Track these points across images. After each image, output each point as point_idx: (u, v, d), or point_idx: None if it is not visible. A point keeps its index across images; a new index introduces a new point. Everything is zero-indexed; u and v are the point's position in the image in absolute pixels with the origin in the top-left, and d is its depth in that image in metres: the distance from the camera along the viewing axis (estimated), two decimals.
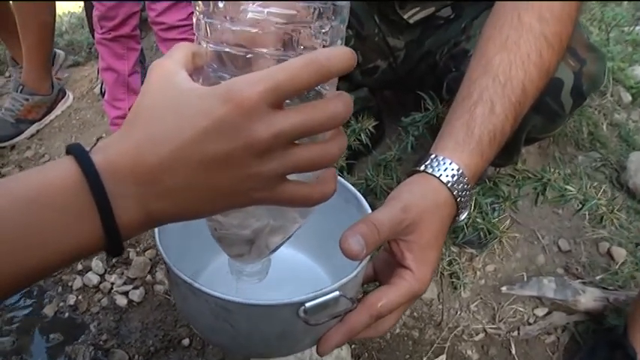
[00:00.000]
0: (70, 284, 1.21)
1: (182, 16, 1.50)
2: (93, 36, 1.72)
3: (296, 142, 0.38)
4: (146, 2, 1.53)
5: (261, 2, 0.37)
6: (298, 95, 0.38)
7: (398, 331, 1.07)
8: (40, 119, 1.80)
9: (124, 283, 1.20)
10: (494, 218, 1.00)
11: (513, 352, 1.04)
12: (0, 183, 0.36)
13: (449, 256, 1.12)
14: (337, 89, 0.42)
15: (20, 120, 1.75)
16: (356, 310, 0.53)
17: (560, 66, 0.70)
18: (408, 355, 1.04)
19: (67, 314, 1.15)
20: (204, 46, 0.41)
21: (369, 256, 0.53)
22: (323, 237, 0.66)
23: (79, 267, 1.25)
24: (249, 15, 0.38)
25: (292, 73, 0.35)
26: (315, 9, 0.38)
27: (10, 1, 1.69)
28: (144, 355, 1.06)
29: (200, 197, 0.37)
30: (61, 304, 1.17)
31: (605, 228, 1.17)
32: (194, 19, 0.41)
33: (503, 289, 1.09)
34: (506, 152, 0.79)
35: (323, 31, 0.39)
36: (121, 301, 1.16)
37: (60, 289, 1.21)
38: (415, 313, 1.10)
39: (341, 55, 0.36)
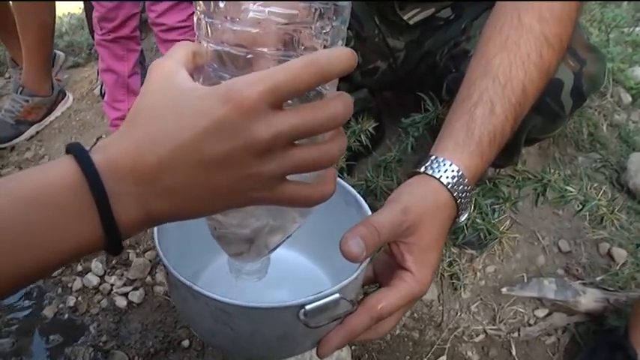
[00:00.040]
0: (69, 285, 1.21)
1: (182, 17, 1.50)
2: (93, 37, 1.72)
3: (296, 142, 0.37)
4: (146, 3, 1.53)
5: (262, 2, 0.37)
6: (298, 95, 0.38)
7: (398, 332, 1.07)
8: (39, 120, 1.79)
9: (124, 285, 1.20)
10: (494, 219, 1.00)
11: (514, 353, 1.04)
12: (0, 182, 0.36)
13: (449, 257, 1.12)
14: (337, 90, 0.42)
15: (20, 121, 1.75)
16: (356, 312, 0.52)
17: (560, 66, 0.70)
18: (409, 356, 1.04)
19: (66, 315, 1.15)
20: (205, 45, 0.41)
21: (369, 258, 0.53)
22: (323, 239, 0.66)
23: (79, 268, 1.24)
24: (251, 14, 0.37)
25: (293, 73, 0.35)
26: (316, 9, 0.38)
27: (10, 2, 1.68)
28: (143, 357, 1.06)
29: (199, 197, 0.38)
30: (61, 305, 1.17)
31: (605, 229, 1.17)
32: (195, 19, 0.41)
33: (504, 290, 1.09)
34: (507, 153, 0.78)
35: (324, 31, 0.39)
36: (121, 302, 1.16)
37: (60, 290, 1.21)
38: (415, 314, 1.10)
39: (342, 56, 0.36)
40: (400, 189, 0.57)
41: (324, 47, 0.39)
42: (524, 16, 0.63)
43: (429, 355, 1.03)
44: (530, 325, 1.07)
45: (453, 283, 1.11)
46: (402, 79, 1.15)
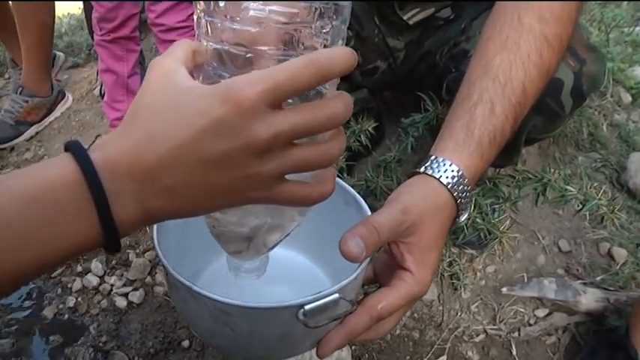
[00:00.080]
0: (69, 286, 1.21)
1: (182, 17, 1.50)
2: (92, 37, 1.72)
3: (295, 141, 0.37)
4: (146, 4, 1.53)
5: (262, 1, 0.37)
6: (298, 95, 0.38)
7: (398, 332, 1.07)
8: (39, 121, 1.79)
9: (124, 285, 1.20)
10: (494, 219, 1.00)
11: (514, 353, 1.04)
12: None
13: (449, 257, 1.12)
14: (337, 90, 0.42)
15: (19, 122, 1.75)
16: (356, 312, 0.52)
17: (560, 66, 0.70)
18: (409, 356, 1.04)
19: (66, 316, 1.15)
20: (205, 44, 0.41)
21: (368, 258, 0.53)
22: (323, 239, 0.66)
23: (79, 269, 1.24)
24: (251, 13, 0.37)
25: (292, 73, 0.35)
26: (316, 9, 0.38)
27: (10, 2, 1.68)
28: (143, 357, 1.05)
29: (198, 196, 0.38)
30: (61, 305, 1.17)
31: (605, 228, 1.17)
32: (195, 17, 0.41)
33: (504, 289, 1.09)
34: (507, 153, 0.78)
35: (324, 30, 0.39)
36: (121, 302, 1.16)
37: (59, 290, 1.21)
38: (415, 314, 1.10)
39: (342, 56, 0.36)
40: (400, 189, 0.57)
41: (324, 47, 0.39)
42: (524, 16, 0.63)
43: (429, 355, 1.03)
44: (530, 325, 1.07)
45: (453, 283, 1.11)
46: (402, 79, 1.15)
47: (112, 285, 1.20)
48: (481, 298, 1.11)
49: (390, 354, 1.04)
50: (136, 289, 1.18)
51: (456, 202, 0.57)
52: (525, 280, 1.11)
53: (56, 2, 1.75)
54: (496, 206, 1.03)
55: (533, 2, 0.64)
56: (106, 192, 0.35)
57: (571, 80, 0.83)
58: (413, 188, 0.56)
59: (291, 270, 0.73)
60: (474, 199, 0.96)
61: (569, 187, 0.94)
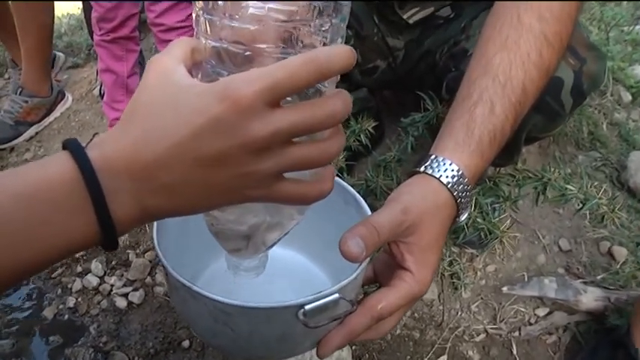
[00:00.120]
0: (69, 286, 1.21)
1: (181, 17, 1.50)
2: (92, 38, 1.72)
3: (294, 140, 0.37)
4: (145, 4, 1.52)
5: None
6: (297, 93, 0.38)
7: (399, 332, 1.07)
8: (39, 121, 1.79)
9: (124, 285, 1.20)
10: (494, 218, 1.00)
11: (514, 352, 1.04)
12: None
13: (449, 256, 1.12)
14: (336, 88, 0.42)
15: (19, 122, 1.75)
16: (356, 312, 0.52)
17: (560, 65, 0.70)
18: (409, 356, 1.04)
19: (66, 316, 1.15)
20: (204, 42, 0.41)
21: (368, 258, 0.53)
22: (322, 239, 0.66)
23: (79, 269, 1.24)
24: (250, 11, 0.37)
25: (291, 71, 0.35)
26: (315, 7, 0.37)
27: (10, 2, 1.68)
28: (144, 357, 1.05)
29: (196, 194, 0.38)
30: (61, 306, 1.17)
31: (605, 227, 1.17)
32: (193, 15, 0.41)
33: (504, 289, 1.09)
34: (507, 152, 0.78)
35: (323, 29, 0.39)
36: (121, 303, 1.16)
37: (59, 291, 1.21)
38: (416, 314, 1.09)
39: (341, 54, 0.36)
40: (400, 189, 0.57)
41: (324, 45, 0.39)
42: (524, 16, 0.63)
43: (430, 354, 1.03)
44: (531, 324, 1.07)
45: (453, 282, 1.11)
46: (402, 79, 1.15)
47: (112, 285, 1.20)
48: (481, 298, 1.11)
49: (390, 354, 1.04)
50: (136, 290, 1.18)
51: (456, 201, 0.56)
52: (526, 279, 1.11)
53: (56, 2, 1.75)
54: (496, 205, 1.03)
55: (532, 1, 0.64)
56: (104, 190, 0.36)
57: (571, 79, 0.83)
58: (413, 188, 0.56)
59: (291, 270, 0.73)
60: (474, 198, 0.96)
61: (569, 186, 0.94)
